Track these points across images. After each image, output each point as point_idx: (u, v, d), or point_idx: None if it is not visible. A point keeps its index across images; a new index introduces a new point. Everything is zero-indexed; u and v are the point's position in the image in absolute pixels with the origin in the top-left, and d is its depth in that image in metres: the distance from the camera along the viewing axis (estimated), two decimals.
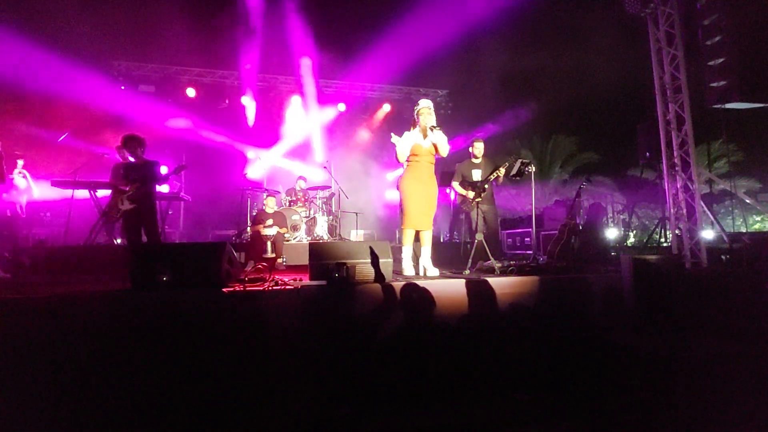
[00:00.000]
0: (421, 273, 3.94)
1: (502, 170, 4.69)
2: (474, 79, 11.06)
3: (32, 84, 7.62)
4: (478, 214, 4.58)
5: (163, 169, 5.00)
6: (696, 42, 5.18)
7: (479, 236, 4.16)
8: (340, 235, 7.69)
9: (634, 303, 3.20)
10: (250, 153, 9.95)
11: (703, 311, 3.39)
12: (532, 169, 4.85)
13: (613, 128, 12.60)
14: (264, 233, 5.52)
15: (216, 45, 9.49)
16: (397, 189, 4.00)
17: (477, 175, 5.08)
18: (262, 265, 3.74)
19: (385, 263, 3.35)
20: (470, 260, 4.12)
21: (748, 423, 2.01)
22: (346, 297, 3.07)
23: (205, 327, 2.74)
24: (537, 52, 10.94)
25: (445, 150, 3.83)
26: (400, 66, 10.01)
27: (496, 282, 3.30)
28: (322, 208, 7.45)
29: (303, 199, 7.51)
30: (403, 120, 8.62)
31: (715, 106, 5.10)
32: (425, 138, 3.80)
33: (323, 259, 3.30)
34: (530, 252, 6.54)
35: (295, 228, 7.00)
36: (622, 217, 10.19)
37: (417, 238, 4.12)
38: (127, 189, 4.29)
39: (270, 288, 3.11)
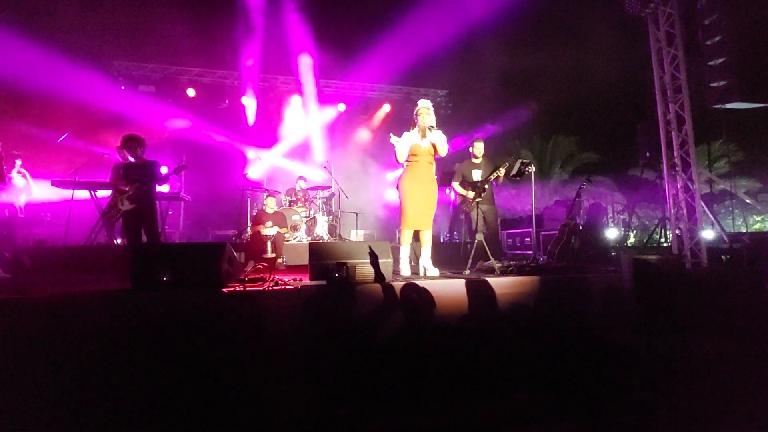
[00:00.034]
0: (421, 273, 3.95)
1: (502, 170, 4.69)
2: (474, 79, 11.07)
3: (32, 84, 7.62)
4: (478, 214, 4.58)
5: (163, 169, 4.99)
6: (696, 42, 5.18)
7: (479, 236, 4.16)
8: (340, 235, 7.69)
9: (634, 303, 3.20)
10: (250, 153, 9.95)
11: (703, 311, 3.38)
12: (532, 169, 4.85)
13: (613, 128, 12.61)
14: (264, 233, 5.52)
15: (216, 45, 9.51)
16: (397, 189, 4.00)
17: (477, 175, 5.08)
18: (262, 265, 3.74)
19: (385, 263, 3.35)
20: (470, 260, 4.12)
21: (748, 423, 2.01)
22: (346, 297, 3.07)
23: (205, 327, 2.74)
24: (537, 52, 10.95)
25: (443, 150, 3.83)
26: (400, 66, 10.01)
27: (496, 282, 3.30)
28: (322, 208, 7.45)
29: (303, 199, 7.51)
30: (403, 120, 8.61)
31: (716, 106, 5.10)
32: (424, 138, 3.80)
33: (323, 259, 3.30)
34: (530, 252, 6.54)
35: (295, 228, 7.00)
36: (622, 217, 10.18)
37: (417, 238, 4.12)
38: (127, 189, 4.29)
39: (270, 288, 3.11)
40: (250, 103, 9.99)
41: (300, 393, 2.46)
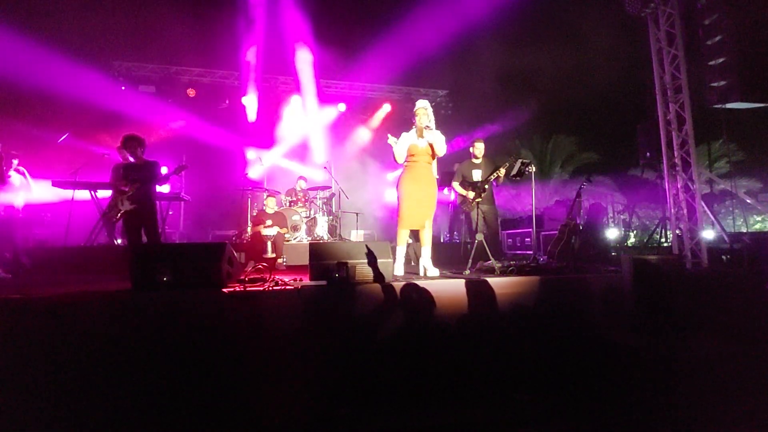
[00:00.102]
0: (421, 273, 3.95)
1: (503, 170, 4.69)
2: (474, 79, 11.07)
3: (32, 84, 7.62)
4: (478, 215, 4.59)
5: (163, 170, 5.00)
6: (696, 42, 5.17)
7: (479, 236, 4.16)
8: (340, 235, 7.69)
9: (634, 303, 3.20)
10: (251, 153, 9.95)
11: (704, 311, 3.38)
12: (532, 169, 4.84)
13: (613, 128, 12.60)
14: (264, 233, 5.52)
15: (216, 45, 9.51)
16: (396, 189, 4.01)
17: (477, 175, 5.08)
18: (262, 265, 3.74)
19: (385, 263, 3.35)
20: (470, 260, 4.12)
21: (748, 423, 2.01)
22: (346, 297, 3.07)
23: (206, 327, 2.74)
24: (537, 52, 10.94)
25: (441, 150, 3.83)
26: (400, 66, 10.00)
27: (496, 282, 3.30)
28: (323, 209, 7.45)
29: (303, 200, 7.51)
30: (404, 120, 8.62)
31: (716, 106, 5.10)
32: (421, 138, 3.81)
33: (323, 260, 3.30)
34: (530, 252, 6.53)
35: (295, 228, 7.00)
36: (622, 217, 10.17)
37: (417, 238, 4.12)
38: (127, 189, 4.30)
39: (270, 288, 3.11)
40: (250, 103, 9.99)
41: (300, 393, 2.46)
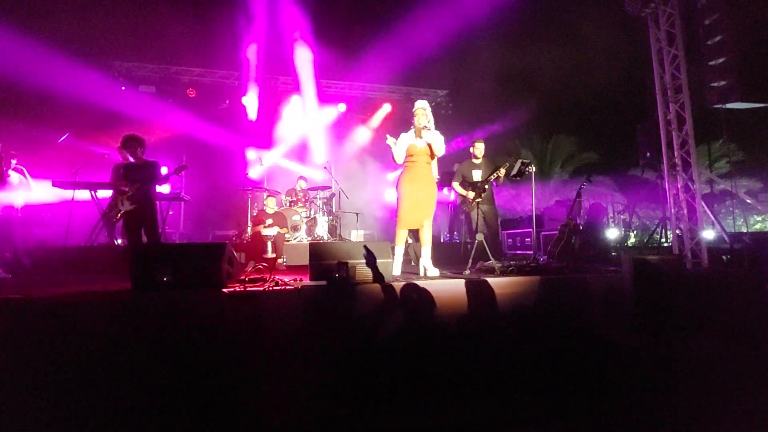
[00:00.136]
0: (421, 273, 3.95)
1: (503, 170, 4.69)
2: (474, 79, 11.06)
3: (32, 84, 7.62)
4: (478, 215, 4.59)
5: (163, 170, 5.00)
6: (697, 42, 5.17)
7: (479, 236, 4.16)
8: (340, 235, 7.69)
9: (634, 303, 3.20)
10: (251, 153, 9.95)
11: (704, 311, 3.38)
12: (533, 169, 4.84)
13: (613, 128, 12.61)
14: (264, 233, 5.52)
15: (216, 45, 9.51)
16: (395, 189, 4.03)
17: (477, 175, 5.08)
18: (262, 265, 3.74)
19: (385, 263, 3.35)
20: (470, 260, 4.12)
21: (748, 423, 2.01)
22: (347, 297, 3.07)
23: (206, 327, 2.74)
24: (537, 52, 10.95)
25: (439, 150, 3.84)
26: (400, 66, 10.00)
27: (496, 282, 3.30)
28: (323, 209, 7.45)
29: (303, 200, 7.51)
30: (404, 120, 8.62)
31: (716, 106, 5.10)
32: (420, 139, 3.82)
33: (323, 260, 3.30)
34: (530, 252, 6.53)
35: (295, 228, 7.00)
36: (622, 217, 10.17)
37: (417, 238, 4.12)
38: (127, 189, 4.30)
39: (270, 288, 3.11)
40: (250, 102, 9.99)
41: (300, 393, 2.46)
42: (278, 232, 5.64)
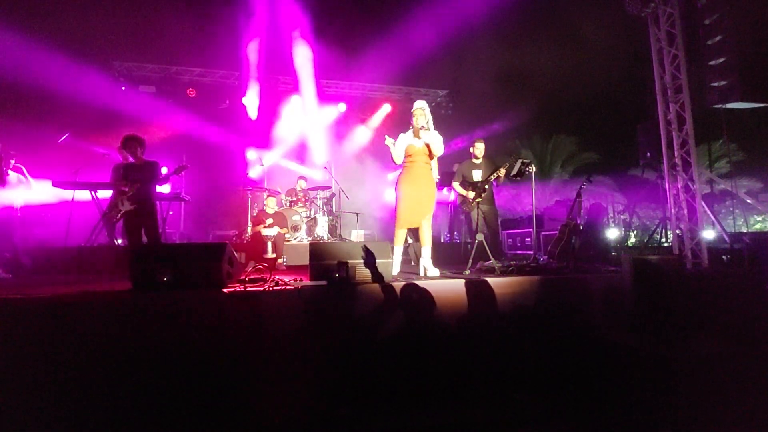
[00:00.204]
0: (422, 273, 3.95)
1: (503, 170, 4.70)
2: (474, 79, 11.05)
3: (32, 84, 7.62)
4: (478, 215, 4.59)
5: (163, 170, 5.00)
6: (697, 41, 5.17)
7: (479, 236, 4.16)
8: (340, 235, 7.69)
9: (634, 303, 3.20)
10: (251, 154, 9.96)
11: (704, 311, 3.38)
12: (533, 169, 4.84)
13: (613, 128, 12.59)
14: (264, 233, 5.52)
15: (216, 45, 9.50)
16: (395, 190, 4.04)
17: (477, 175, 5.08)
18: (262, 265, 3.74)
19: (385, 263, 3.35)
20: (470, 260, 4.12)
21: (748, 423, 2.01)
22: (347, 297, 3.07)
23: (206, 327, 2.74)
24: (537, 52, 10.94)
25: (437, 150, 3.85)
26: (401, 66, 9.99)
27: (496, 282, 3.30)
28: (323, 209, 7.45)
29: (303, 200, 7.51)
30: (404, 120, 8.62)
31: (716, 106, 5.10)
32: (418, 139, 3.83)
33: (324, 260, 3.30)
34: (531, 252, 6.53)
35: (295, 228, 7.00)
36: (622, 217, 10.17)
37: (417, 239, 4.13)
38: (128, 189, 4.30)
39: (270, 288, 3.11)
40: (250, 102, 9.99)
41: (300, 393, 2.46)
42: (278, 232, 5.64)
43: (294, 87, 10.28)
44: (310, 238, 7.02)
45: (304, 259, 3.94)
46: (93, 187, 5.87)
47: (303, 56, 9.78)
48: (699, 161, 5.45)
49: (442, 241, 8.31)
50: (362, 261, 3.30)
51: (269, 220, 5.72)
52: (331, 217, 7.57)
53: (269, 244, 5.45)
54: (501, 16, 9.36)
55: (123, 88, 9.52)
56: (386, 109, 11.04)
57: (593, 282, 3.55)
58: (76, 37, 8.01)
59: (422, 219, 3.90)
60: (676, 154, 5.32)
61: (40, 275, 4.58)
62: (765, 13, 4.81)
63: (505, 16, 9.41)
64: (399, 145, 3.88)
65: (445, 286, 3.25)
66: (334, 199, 8.20)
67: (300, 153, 10.61)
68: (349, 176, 9.84)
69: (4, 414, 2.16)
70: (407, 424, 2.15)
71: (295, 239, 6.83)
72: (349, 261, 3.28)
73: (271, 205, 6.15)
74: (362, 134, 11.09)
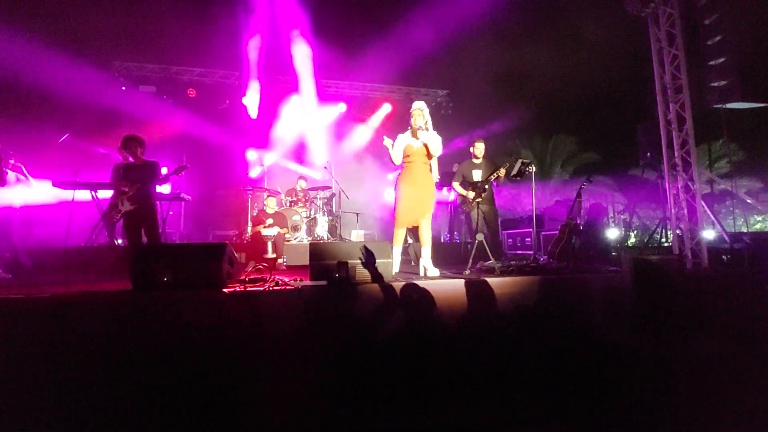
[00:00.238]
0: (422, 273, 3.95)
1: (503, 170, 4.70)
2: (474, 79, 11.05)
3: (33, 84, 7.63)
4: (478, 215, 4.59)
5: (163, 170, 5.00)
6: (697, 42, 5.17)
7: (479, 236, 4.16)
8: (340, 235, 7.69)
9: (634, 303, 3.20)
10: (251, 154, 9.96)
11: (704, 311, 3.38)
12: (533, 169, 4.85)
13: (613, 128, 12.60)
14: (264, 234, 5.52)
15: (216, 45, 9.50)
16: (394, 190, 4.05)
17: (477, 175, 5.08)
18: (262, 265, 3.74)
19: (385, 263, 3.35)
20: (470, 260, 4.12)
21: (748, 423, 2.01)
22: (347, 297, 3.07)
23: (206, 327, 2.75)
24: (537, 52, 10.93)
25: (435, 150, 3.87)
26: (400, 66, 9.99)
27: (496, 282, 3.30)
28: (323, 209, 7.45)
29: (303, 200, 7.51)
30: (404, 120, 8.61)
31: (716, 106, 5.10)
32: (416, 139, 3.84)
33: (324, 260, 3.30)
34: (531, 252, 6.53)
35: (295, 228, 7.00)
36: (622, 217, 10.17)
37: (417, 239, 4.13)
38: (128, 190, 4.30)
39: (270, 288, 3.12)
40: (250, 103, 9.99)
41: (300, 393, 2.46)
42: (278, 232, 5.64)
43: (294, 87, 10.27)
44: (310, 238, 7.02)
45: (304, 259, 3.94)
46: (93, 187, 5.85)
47: (303, 56, 9.77)
48: (699, 161, 5.45)
49: (442, 241, 8.31)
50: (362, 261, 3.30)
51: (269, 221, 5.72)
52: (331, 217, 7.57)
53: (269, 244, 5.45)
54: (501, 16, 9.37)
55: (123, 88, 9.52)
56: (386, 109, 11.04)
57: (593, 282, 3.55)
58: (77, 37, 8.01)
59: (421, 218, 3.91)
60: (676, 154, 5.32)
61: (40, 275, 4.58)
62: (765, 13, 4.81)
63: (505, 16, 9.42)
64: (397, 146, 3.90)
65: (445, 286, 3.25)
66: (334, 199, 8.20)
67: (300, 153, 10.60)
68: (349, 176, 9.83)
69: (4, 414, 2.16)
70: (407, 424, 2.15)
71: (295, 239, 6.83)
72: (349, 261, 3.28)
73: (271, 205, 6.15)
74: (362, 134, 11.09)
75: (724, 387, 2.27)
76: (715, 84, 4.98)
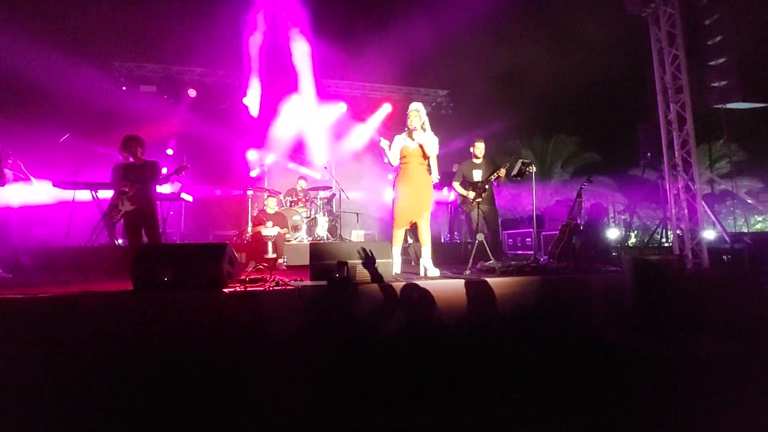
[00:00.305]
0: (422, 273, 3.95)
1: (503, 170, 4.70)
2: (474, 79, 11.05)
3: (33, 84, 7.63)
4: (478, 215, 4.59)
5: (163, 170, 5.00)
6: (697, 42, 5.17)
7: (480, 236, 4.16)
8: (340, 235, 7.69)
9: (634, 303, 3.19)
10: (251, 154, 9.96)
11: (704, 311, 3.38)
12: (533, 169, 4.84)
13: (614, 128, 12.60)
14: (265, 234, 5.52)
15: (217, 45, 9.51)
16: (393, 190, 4.07)
17: (478, 175, 5.08)
18: (262, 265, 3.74)
19: (385, 263, 3.35)
20: (471, 260, 4.12)
21: (748, 423, 2.00)
22: (347, 297, 3.07)
23: (206, 327, 2.75)
24: (538, 52, 10.94)
25: (431, 151, 3.88)
26: (401, 66, 10.01)
27: (496, 282, 3.30)
28: (323, 209, 7.45)
29: (304, 200, 7.52)
30: (404, 120, 8.61)
31: (717, 106, 5.10)
32: (412, 140, 3.87)
33: (324, 260, 3.30)
34: (531, 252, 6.53)
35: (295, 228, 7.00)
36: (623, 217, 10.17)
37: (417, 239, 4.13)
38: (128, 190, 4.30)
39: (270, 288, 3.11)
40: (251, 103, 9.99)
41: (300, 393, 2.46)
42: (279, 233, 5.64)
43: (294, 87, 10.27)
44: (310, 238, 7.02)
45: (305, 259, 3.94)
46: (93, 187, 5.87)
47: (303, 56, 9.78)
48: (699, 161, 5.44)
49: (442, 241, 8.31)
50: (362, 261, 3.30)
51: (269, 223, 5.71)
52: (331, 217, 7.57)
53: (269, 244, 5.45)
54: (501, 16, 9.37)
55: (123, 88, 9.53)
56: (386, 108, 11.03)
57: (593, 282, 3.54)
58: (77, 37, 8.02)
59: (419, 218, 3.92)
60: (676, 154, 5.32)
61: (40, 275, 4.58)
62: (765, 13, 4.81)
63: (506, 16, 9.43)
64: (394, 147, 3.97)
65: (445, 286, 3.25)
66: (334, 199, 8.20)
67: (300, 153, 10.60)
68: (349, 176, 9.83)
69: (4, 414, 2.16)
70: (407, 424, 2.15)
71: (295, 239, 6.83)
72: (349, 261, 3.28)
73: (271, 206, 6.15)
74: (362, 134, 11.08)
75: (724, 387, 2.27)
76: (716, 84, 4.98)
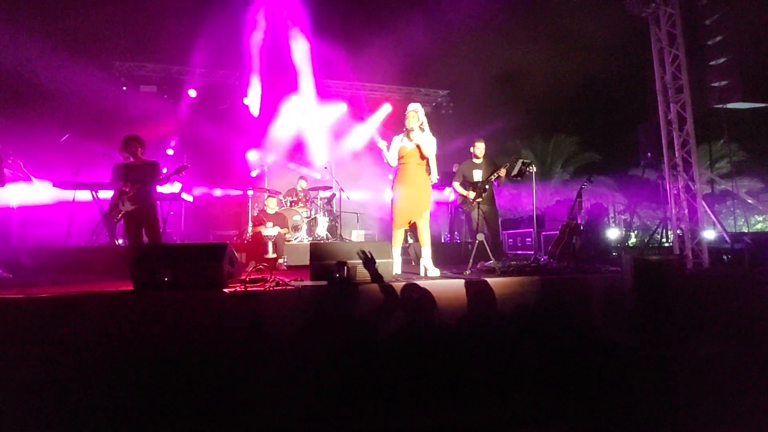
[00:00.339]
0: (422, 273, 3.95)
1: (503, 170, 4.70)
2: (474, 79, 11.05)
3: (33, 84, 7.64)
4: (479, 215, 4.59)
5: (164, 170, 5.00)
6: (698, 42, 5.17)
7: (480, 236, 4.16)
8: (340, 235, 7.69)
9: (634, 303, 3.19)
10: (252, 154, 9.96)
11: (705, 312, 3.38)
12: (533, 169, 4.84)
13: (614, 128, 12.60)
14: (265, 234, 5.52)
15: (217, 45, 9.50)
16: (391, 191, 4.08)
17: (478, 175, 5.08)
18: (263, 265, 3.74)
19: (385, 263, 3.35)
20: (471, 260, 4.12)
21: (748, 423, 2.00)
22: (347, 297, 3.07)
23: (206, 327, 2.75)
24: (538, 52, 10.93)
25: (428, 151, 3.89)
26: (401, 66, 10.00)
27: (496, 282, 3.30)
28: (323, 209, 7.45)
29: (304, 200, 7.52)
30: (404, 120, 8.61)
31: (717, 106, 5.10)
32: (410, 141, 3.88)
33: (324, 260, 3.30)
34: (531, 252, 6.53)
35: (296, 228, 7.00)
36: (623, 217, 10.16)
37: (417, 239, 4.14)
38: (128, 190, 4.30)
39: (271, 288, 3.11)
40: (251, 103, 9.99)
41: (300, 393, 2.46)
42: (279, 233, 5.64)
43: (294, 86, 10.27)
44: (310, 238, 7.02)
45: (305, 260, 3.94)
46: (93, 187, 5.88)
47: (303, 55, 9.77)
48: (700, 161, 5.44)
49: (442, 241, 8.31)
50: (362, 261, 3.30)
51: (269, 223, 5.72)
52: (331, 217, 7.57)
53: (270, 244, 5.45)
54: (501, 16, 9.37)
55: (124, 88, 9.53)
56: (386, 108, 11.03)
57: (593, 282, 3.54)
58: (77, 37, 8.02)
59: (418, 218, 3.93)
60: (676, 154, 5.31)
61: (40, 275, 4.58)
62: (765, 14, 4.81)
63: (506, 16, 9.42)
64: (392, 148, 3.99)
65: (446, 286, 3.25)
66: (334, 199, 8.20)
67: (300, 153, 10.60)
68: (349, 176, 9.83)
69: (4, 414, 2.16)
70: (407, 424, 2.15)
71: (295, 239, 6.83)
72: (349, 261, 3.28)
73: (271, 206, 6.15)
74: (362, 134, 11.08)
75: (724, 387, 2.27)
76: (716, 84, 4.98)
